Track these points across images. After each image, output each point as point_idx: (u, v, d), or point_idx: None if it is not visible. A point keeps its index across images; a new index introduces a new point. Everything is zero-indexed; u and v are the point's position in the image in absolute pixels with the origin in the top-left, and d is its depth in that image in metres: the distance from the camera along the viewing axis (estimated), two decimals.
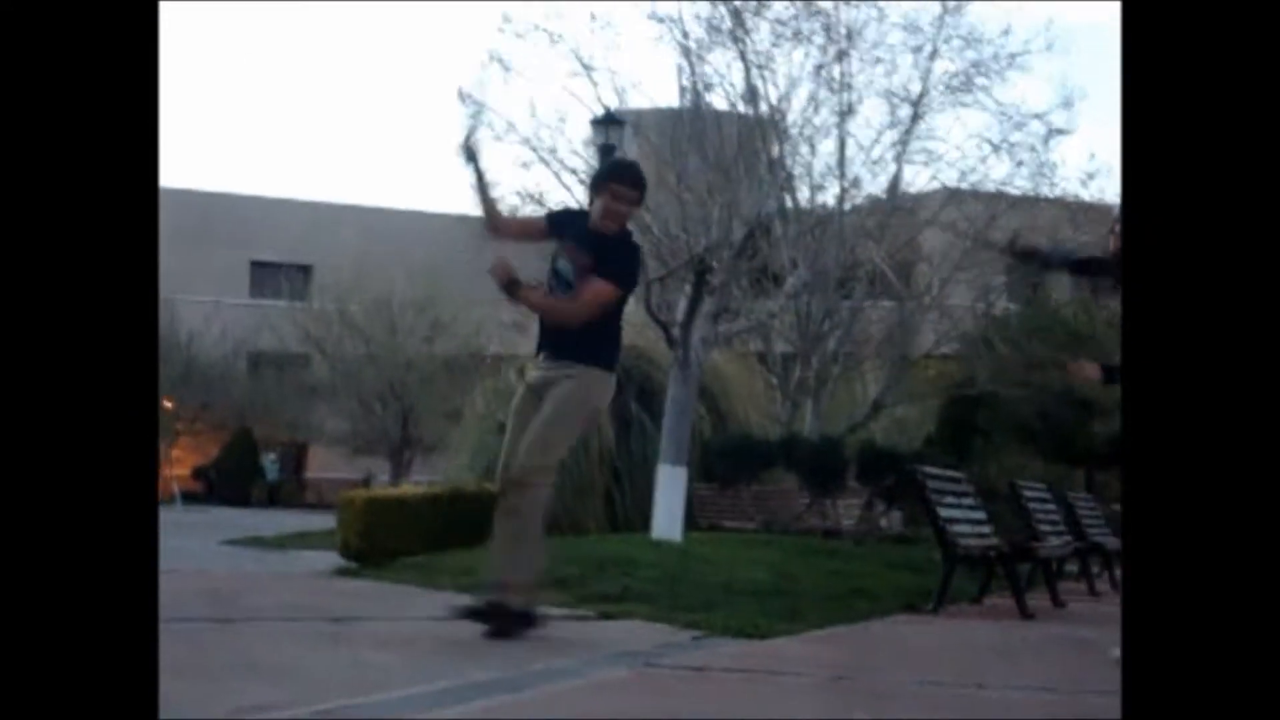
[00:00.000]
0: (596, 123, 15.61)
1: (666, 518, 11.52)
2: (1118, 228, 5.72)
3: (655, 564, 8.39)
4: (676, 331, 12.46)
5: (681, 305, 12.87)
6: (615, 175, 5.66)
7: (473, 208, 6.36)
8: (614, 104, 15.41)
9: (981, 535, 8.87)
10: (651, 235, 13.56)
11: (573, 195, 15.21)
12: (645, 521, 12.62)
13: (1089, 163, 45.29)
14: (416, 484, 18.07)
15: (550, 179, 16.76)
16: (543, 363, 5.47)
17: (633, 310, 21.40)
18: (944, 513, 8.36)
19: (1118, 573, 12.75)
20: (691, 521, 15.04)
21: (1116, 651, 5.46)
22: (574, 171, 15.90)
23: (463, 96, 14.60)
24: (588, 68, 15.68)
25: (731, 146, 15.02)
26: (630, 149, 15.52)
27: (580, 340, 5.34)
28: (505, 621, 5.15)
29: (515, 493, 5.31)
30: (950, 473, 9.92)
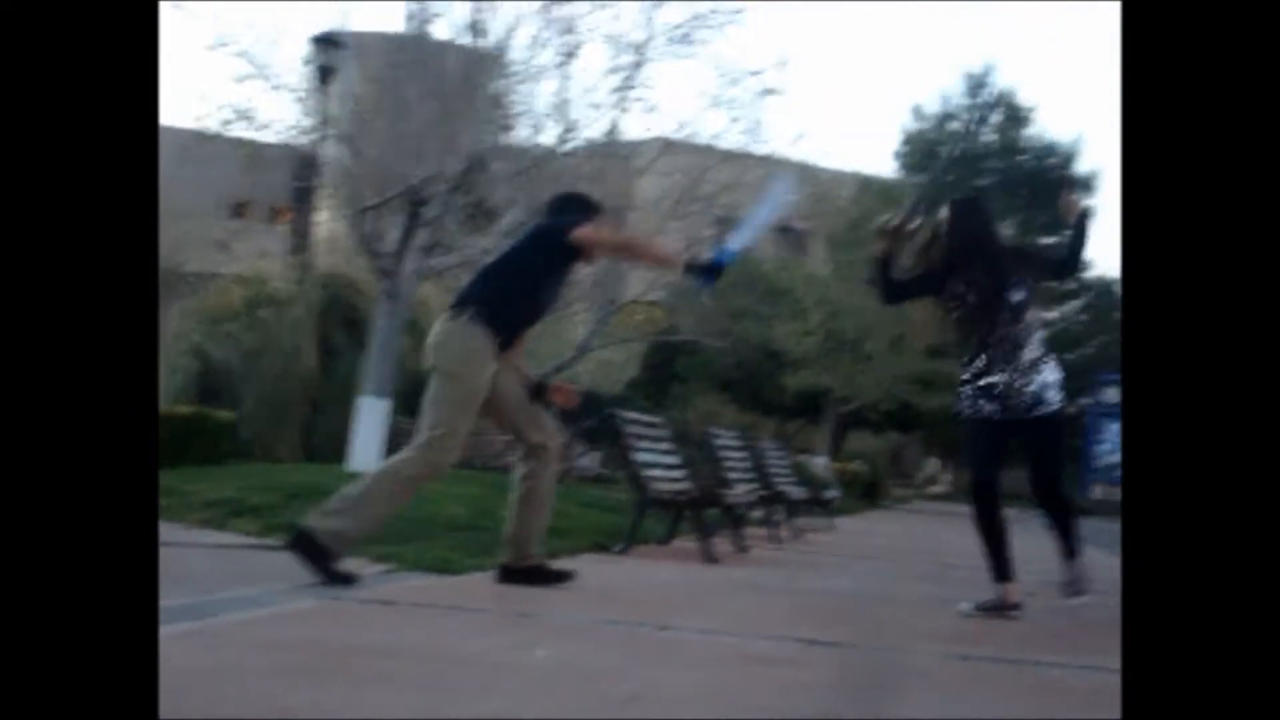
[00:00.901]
0: (317, 41, 15.20)
1: (364, 449, 11.43)
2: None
3: None
4: (387, 262, 12.31)
5: (393, 236, 12.71)
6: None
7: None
8: (335, 24, 15.03)
9: (674, 480, 9.14)
10: (365, 162, 13.32)
11: (288, 113, 14.74)
12: (343, 453, 12.47)
13: (798, 123, 46.66)
14: None
15: (265, 95, 16.26)
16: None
17: (342, 236, 21.01)
18: (640, 456, 8.58)
19: (799, 521, 13.34)
20: (392, 455, 14.93)
21: (965, 606, 5.92)
22: (291, 90, 15.42)
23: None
24: None
25: (453, 79, 14.84)
26: (349, 71, 15.18)
27: None
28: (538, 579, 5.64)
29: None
30: (648, 418, 10.18)
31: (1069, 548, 6.03)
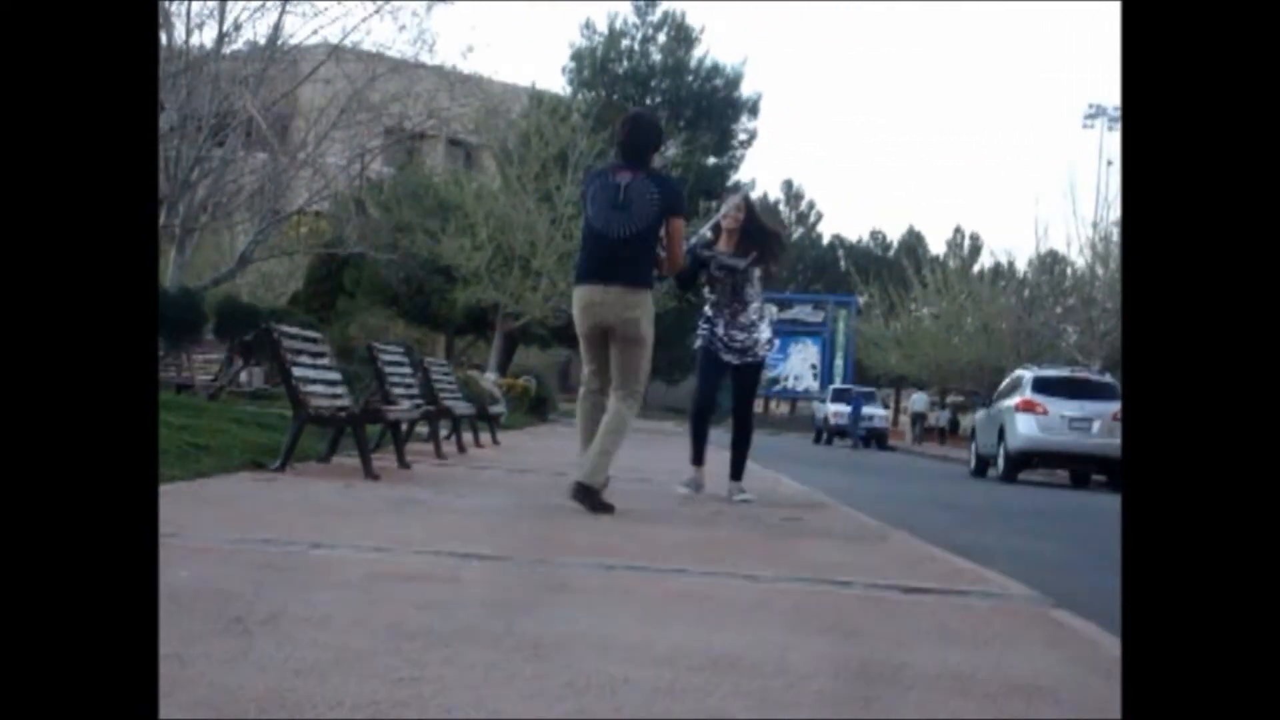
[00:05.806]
0: None
1: None
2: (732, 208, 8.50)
3: None
4: None
5: None
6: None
7: None
8: None
9: (335, 395, 9.01)
10: None
11: None
12: None
13: (469, 35, 46.00)
14: None
15: None
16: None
17: None
18: (298, 372, 8.41)
19: (465, 435, 13.39)
20: None
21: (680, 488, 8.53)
22: None
23: None
24: None
25: None
26: None
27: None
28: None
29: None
30: (308, 332, 9.98)
31: (737, 468, 8.40)
